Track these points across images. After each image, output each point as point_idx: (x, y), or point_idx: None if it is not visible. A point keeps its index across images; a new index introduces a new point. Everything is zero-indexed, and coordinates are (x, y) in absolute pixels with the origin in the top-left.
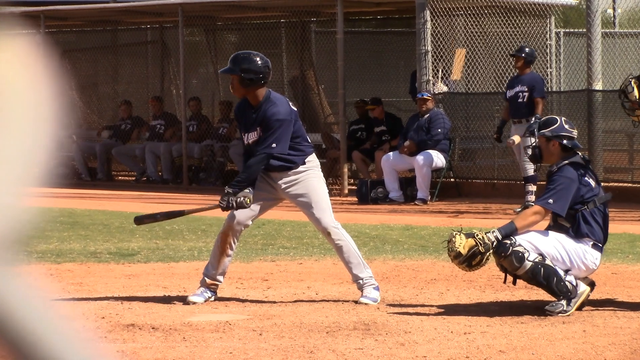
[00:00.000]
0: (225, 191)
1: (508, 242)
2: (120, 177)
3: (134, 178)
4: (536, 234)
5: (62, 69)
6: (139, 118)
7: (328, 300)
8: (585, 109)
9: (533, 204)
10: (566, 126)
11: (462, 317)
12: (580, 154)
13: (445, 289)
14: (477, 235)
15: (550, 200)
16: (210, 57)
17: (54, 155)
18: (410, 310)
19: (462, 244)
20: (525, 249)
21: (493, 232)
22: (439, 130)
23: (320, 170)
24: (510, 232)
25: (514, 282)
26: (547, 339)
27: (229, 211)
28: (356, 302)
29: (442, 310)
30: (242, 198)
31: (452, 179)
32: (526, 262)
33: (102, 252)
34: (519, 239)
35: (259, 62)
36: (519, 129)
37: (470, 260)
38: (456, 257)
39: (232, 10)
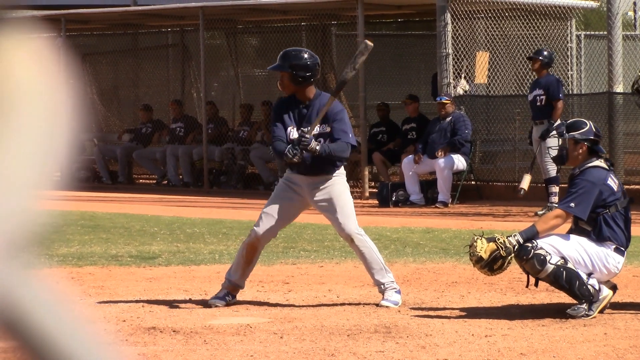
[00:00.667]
0: (316, 147)
1: (530, 245)
2: (141, 180)
3: (154, 181)
4: (558, 237)
5: (82, 73)
6: (160, 121)
7: (349, 304)
8: (606, 112)
9: (556, 205)
10: (595, 130)
11: (483, 320)
12: (603, 157)
13: (466, 292)
14: (499, 239)
15: (572, 204)
16: (231, 60)
17: (72, 158)
18: (431, 313)
19: (484, 248)
20: (547, 252)
21: (514, 235)
22: (467, 131)
23: (345, 177)
24: (531, 235)
25: (536, 284)
26: (568, 341)
27: (289, 159)
28: (377, 305)
29: (463, 313)
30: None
31: (473, 182)
32: (548, 265)
33: (123, 255)
34: (541, 242)
35: (309, 59)
36: (539, 129)
37: (492, 265)
38: (478, 261)
39: (252, 13)
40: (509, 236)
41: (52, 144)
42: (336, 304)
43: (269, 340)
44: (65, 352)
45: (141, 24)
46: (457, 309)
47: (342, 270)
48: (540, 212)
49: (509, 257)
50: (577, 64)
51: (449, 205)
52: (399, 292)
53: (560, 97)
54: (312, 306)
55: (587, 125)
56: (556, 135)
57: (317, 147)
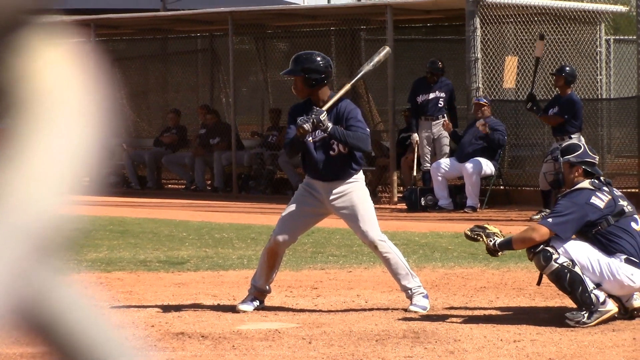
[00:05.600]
0: (329, 123)
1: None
2: (169, 185)
3: (183, 186)
4: (573, 241)
5: (112, 78)
6: (184, 127)
7: (377, 309)
8: (636, 116)
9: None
10: (589, 152)
11: (511, 325)
12: (594, 179)
13: (494, 297)
14: (484, 236)
15: (550, 219)
16: (260, 65)
17: (101, 162)
18: (459, 318)
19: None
20: (556, 250)
21: (494, 240)
22: (503, 136)
23: (364, 182)
24: (505, 247)
25: (539, 283)
26: (597, 346)
27: (303, 129)
28: (406, 310)
29: (492, 318)
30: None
31: (501, 187)
32: (553, 263)
33: (151, 260)
34: (554, 240)
35: (321, 61)
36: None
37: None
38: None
39: (281, 18)
40: (490, 237)
41: (81, 146)
42: (365, 309)
43: (297, 345)
44: (95, 356)
45: (170, 29)
46: (485, 314)
47: (371, 275)
48: (535, 217)
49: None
50: (606, 69)
51: (478, 210)
52: (426, 296)
53: (563, 117)
54: (341, 311)
55: (581, 147)
56: (551, 160)
57: (329, 123)
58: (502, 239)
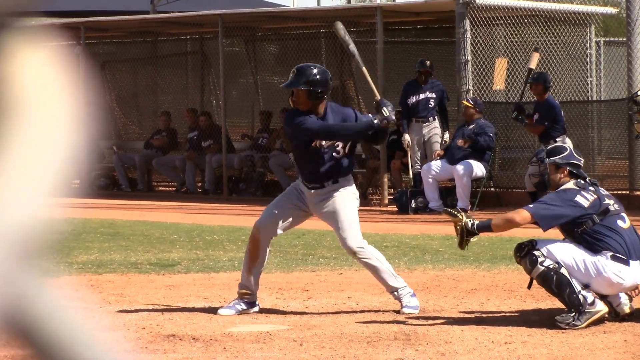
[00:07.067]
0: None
1: (526, 244)
2: (160, 188)
3: (174, 189)
4: (558, 242)
5: (101, 80)
6: (174, 130)
7: (368, 311)
8: (626, 118)
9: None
10: (575, 154)
11: (503, 327)
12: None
13: (485, 299)
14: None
15: (532, 205)
16: (250, 68)
17: (88, 165)
18: (451, 320)
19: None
20: (541, 254)
21: (471, 220)
22: (489, 136)
23: (354, 187)
24: (483, 227)
25: (529, 286)
26: (588, 348)
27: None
28: (397, 312)
29: (483, 320)
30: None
31: (492, 189)
32: (538, 266)
33: (142, 262)
34: (540, 243)
35: (322, 74)
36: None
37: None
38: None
39: (271, 20)
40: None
41: (65, 149)
42: (355, 311)
43: (288, 347)
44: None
45: (160, 31)
46: (476, 316)
47: (362, 277)
48: None
49: (462, 230)
50: (596, 71)
51: (469, 212)
52: (414, 295)
53: (544, 124)
54: (332, 313)
55: (567, 149)
56: (536, 162)
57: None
58: (480, 221)
